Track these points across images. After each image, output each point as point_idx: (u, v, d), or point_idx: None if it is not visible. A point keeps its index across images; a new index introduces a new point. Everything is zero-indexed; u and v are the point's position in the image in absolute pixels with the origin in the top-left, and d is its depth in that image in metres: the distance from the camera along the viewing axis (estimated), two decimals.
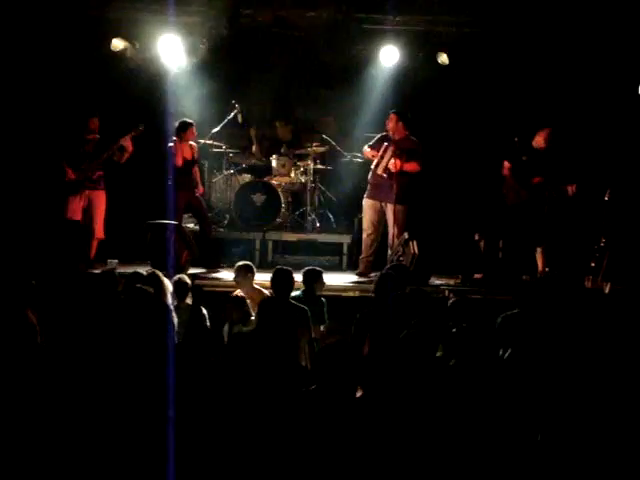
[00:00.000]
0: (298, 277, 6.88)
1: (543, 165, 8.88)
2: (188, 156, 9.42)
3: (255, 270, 7.34)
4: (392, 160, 8.88)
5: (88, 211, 9.01)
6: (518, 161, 9.05)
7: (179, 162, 9.22)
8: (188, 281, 6.84)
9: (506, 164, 9.07)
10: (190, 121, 9.48)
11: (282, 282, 6.42)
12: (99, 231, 9.05)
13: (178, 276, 6.88)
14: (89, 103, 9.45)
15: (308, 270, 7.07)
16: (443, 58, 10.20)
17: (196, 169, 9.69)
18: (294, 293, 6.69)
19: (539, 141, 8.93)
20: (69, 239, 8.55)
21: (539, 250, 8.98)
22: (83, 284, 6.18)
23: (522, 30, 9.94)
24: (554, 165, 8.82)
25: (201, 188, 9.76)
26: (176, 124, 9.42)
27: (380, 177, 9.02)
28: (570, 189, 8.70)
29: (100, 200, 9.08)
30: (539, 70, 10.07)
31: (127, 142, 9.06)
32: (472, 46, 10.22)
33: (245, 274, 7.20)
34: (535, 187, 8.91)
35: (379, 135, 9.34)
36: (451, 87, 10.48)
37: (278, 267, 6.68)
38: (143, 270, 6.86)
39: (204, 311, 6.66)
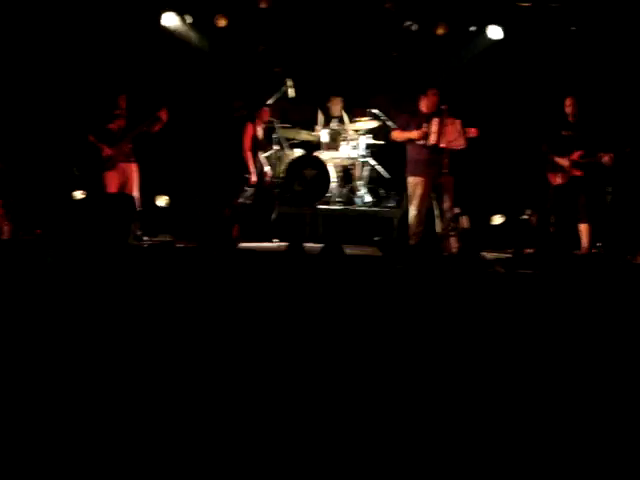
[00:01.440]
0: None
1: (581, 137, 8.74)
2: (259, 136, 9.81)
3: None
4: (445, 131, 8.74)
5: (124, 185, 8.84)
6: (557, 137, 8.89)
7: (249, 142, 9.61)
8: None
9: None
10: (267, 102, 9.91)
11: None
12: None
13: None
14: (120, 80, 9.47)
15: None
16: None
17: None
18: None
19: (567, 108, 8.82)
20: (116, 212, 8.53)
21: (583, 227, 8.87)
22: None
23: None
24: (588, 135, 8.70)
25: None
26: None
27: (427, 152, 8.84)
28: (606, 157, 8.57)
29: (134, 173, 8.89)
30: None
31: (162, 114, 8.81)
32: None
33: None
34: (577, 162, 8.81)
35: (405, 115, 9.02)
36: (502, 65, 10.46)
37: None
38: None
39: None
